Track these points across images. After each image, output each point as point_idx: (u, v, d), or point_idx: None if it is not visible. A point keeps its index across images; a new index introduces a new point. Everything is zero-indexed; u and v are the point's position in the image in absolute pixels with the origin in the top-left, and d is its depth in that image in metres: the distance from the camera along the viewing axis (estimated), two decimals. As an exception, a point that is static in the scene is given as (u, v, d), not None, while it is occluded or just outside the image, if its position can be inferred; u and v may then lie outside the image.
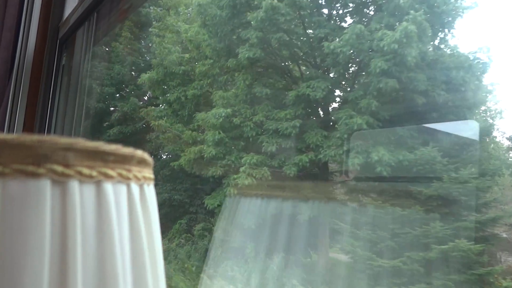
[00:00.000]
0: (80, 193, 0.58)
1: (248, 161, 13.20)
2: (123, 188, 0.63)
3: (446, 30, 13.80)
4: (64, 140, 0.57)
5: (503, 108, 15.63)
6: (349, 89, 13.92)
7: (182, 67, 16.77)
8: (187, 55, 17.04)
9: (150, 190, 0.69)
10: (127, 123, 19.36)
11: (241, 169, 13.22)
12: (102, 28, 3.39)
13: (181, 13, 19.27)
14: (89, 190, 0.59)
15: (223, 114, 14.21)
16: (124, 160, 0.63)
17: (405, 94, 13.19)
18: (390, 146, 12.76)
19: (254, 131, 14.04)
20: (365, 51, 12.82)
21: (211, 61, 15.74)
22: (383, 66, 12.02)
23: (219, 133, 14.14)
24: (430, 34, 12.42)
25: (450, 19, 13.33)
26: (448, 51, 13.71)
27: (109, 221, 0.59)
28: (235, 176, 13.24)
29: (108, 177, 0.60)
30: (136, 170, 0.65)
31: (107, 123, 20.68)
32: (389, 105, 13.23)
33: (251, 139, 14.12)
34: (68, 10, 3.28)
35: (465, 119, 13.98)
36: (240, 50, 14.29)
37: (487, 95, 15.06)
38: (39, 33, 3.27)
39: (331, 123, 13.52)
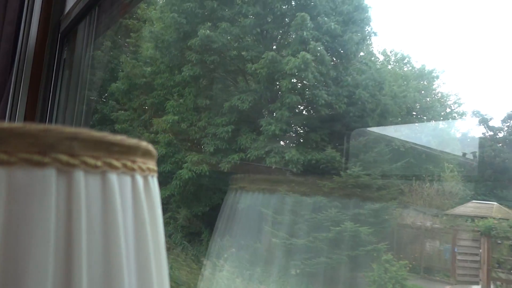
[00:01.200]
0: (85, 183, 0.58)
1: (190, 159, 16.44)
2: (127, 179, 0.63)
3: (349, 55, 18.31)
4: (70, 129, 0.57)
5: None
6: (270, 101, 17.49)
7: (144, 79, 19.68)
8: (149, 69, 19.87)
9: (154, 182, 0.70)
10: (106, 123, 20.76)
11: (184, 165, 16.51)
12: (104, 22, 3.36)
13: (155, 26, 20.77)
14: (94, 180, 0.59)
15: (170, 120, 17.67)
16: (129, 151, 0.63)
17: (310, 107, 17.77)
18: (302, 148, 17.19)
19: (198, 134, 17.59)
20: (278, 73, 16.49)
21: (166, 75, 19.15)
22: (288, 85, 16.27)
23: (169, 135, 17.44)
24: (329, 60, 17.06)
25: (353, 47, 17.97)
26: (349, 77, 17.96)
27: (114, 212, 0.59)
28: (179, 171, 16.56)
29: (112, 167, 0.61)
30: (140, 162, 0.65)
31: (91, 122, 21.75)
32: (300, 115, 17.98)
33: (195, 141, 17.68)
34: (69, 4, 3.24)
35: (364, 126, 17.69)
36: (184, 68, 18.11)
37: (383, 105, 18.84)
38: (41, 27, 3.24)
39: (260, 129, 16.31)
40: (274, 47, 18.20)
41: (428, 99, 29.60)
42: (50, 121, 3.29)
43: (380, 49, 31.12)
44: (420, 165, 19.65)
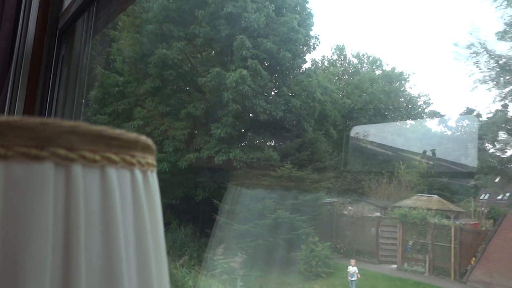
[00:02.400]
0: (84, 178, 0.51)
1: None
2: (126, 174, 0.56)
3: (284, 70, 19.88)
4: (68, 123, 0.51)
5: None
6: (218, 109, 18.68)
7: (117, 88, 20.37)
8: (121, 78, 20.52)
9: (154, 177, 0.62)
10: (90, 125, 21.50)
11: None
12: (102, 19, 3.07)
13: (122, 42, 21.63)
14: (93, 174, 0.52)
15: (136, 125, 18.77)
16: (128, 145, 0.57)
17: (252, 114, 19.02)
18: (246, 148, 18.79)
19: (161, 136, 18.72)
20: (222, 85, 17.92)
21: (135, 84, 20.26)
22: (229, 96, 17.69)
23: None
24: (265, 74, 18.40)
25: (287, 63, 19.31)
26: (285, 88, 19.50)
27: (113, 206, 0.53)
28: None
29: (111, 162, 0.54)
30: (140, 156, 0.58)
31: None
32: (243, 120, 19.16)
33: (158, 142, 18.26)
34: (67, 0, 2.96)
35: (300, 130, 19.69)
36: (146, 81, 19.48)
37: (323, 111, 20.75)
38: (39, 23, 2.94)
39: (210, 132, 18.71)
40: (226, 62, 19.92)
41: (402, 100, 29.71)
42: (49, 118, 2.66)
43: (354, 53, 31.87)
44: (382, 162, 20.04)
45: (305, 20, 20.15)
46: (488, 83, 13.27)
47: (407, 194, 17.81)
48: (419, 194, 17.34)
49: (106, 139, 0.54)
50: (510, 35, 9.87)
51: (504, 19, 10.41)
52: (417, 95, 29.87)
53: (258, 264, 15.37)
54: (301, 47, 19.87)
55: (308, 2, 20.48)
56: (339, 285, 13.96)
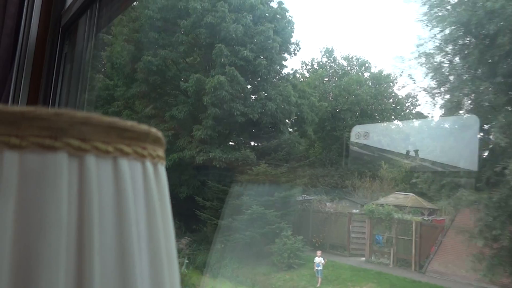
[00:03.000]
0: (97, 168, 0.49)
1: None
2: (138, 166, 0.53)
3: (261, 75, 19.99)
4: (81, 114, 0.49)
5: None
6: (199, 112, 19.12)
7: (107, 91, 20.68)
8: (111, 82, 20.80)
9: (163, 170, 0.59)
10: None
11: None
12: (105, 16, 2.89)
13: (111, 49, 21.85)
14: (106, 165, 0.50)
15: None
16: (140, 137, 0.54)
17: (230, 117, 18.75)
18: (225, 148, 19.03)
19: None
20: (202, 90, 18.32)
21: (124, 88, 20.28)
22: (208, 100, 18.09)
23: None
24: (243, 80, 18.66)
25: (263, 69, 19.40)
26: (262, 93, 19.91)
27: (125, 197, 0.50)
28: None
29: (124, 153, 0.52)
30: (151, 149, 0.56)
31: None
32: (222, 122, 18.94)
33: None
34: None
35: (276, 132, 20.23)
36: (133, 86, 19.76)
37: (300, 113, 21.00)
38: (41, 21, 2.78)
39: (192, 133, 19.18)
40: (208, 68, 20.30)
41: (390, 101, 29.49)
42: (52, 116, 2.45)
43: (343, 55, 31.51)
44: (367, 162, 20.17)
45: (284, 28, 20.56)
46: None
47: (388, 192, 18.06)
48: (397, 193, 17.59)
49: (119, 131, 0.51)
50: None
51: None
52: (404, 96, 29.76)
53: (235, 256, 15.71)
54: (277, 54, 19.95)
55: (288, 10, 20.86)
56: (308, 275, 14.09)
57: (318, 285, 13.55)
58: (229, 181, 17.50)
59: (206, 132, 18.12)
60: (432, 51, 9.85)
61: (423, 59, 10.12)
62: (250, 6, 19.03)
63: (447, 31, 9.44)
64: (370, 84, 28.71)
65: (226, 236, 16.05)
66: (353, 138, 9.21)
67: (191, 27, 18.80)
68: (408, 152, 8.97)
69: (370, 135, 8.86)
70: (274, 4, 20.57)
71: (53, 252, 0.43)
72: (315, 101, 22.30)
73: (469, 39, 9.05)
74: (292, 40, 21.38)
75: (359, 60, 31.09)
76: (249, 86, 19.75)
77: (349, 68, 30.86)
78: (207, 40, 18.72)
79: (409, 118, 28.11)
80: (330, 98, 26.58)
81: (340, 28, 42.99)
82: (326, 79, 29.25)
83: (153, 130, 0.56)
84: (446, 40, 9.31)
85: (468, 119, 7.44)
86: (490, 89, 8.77)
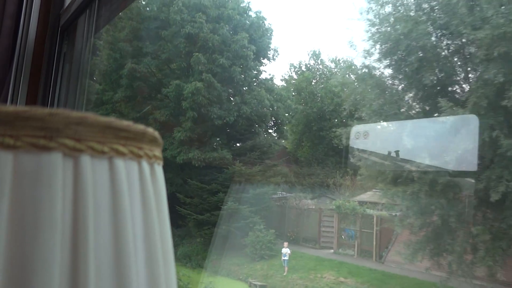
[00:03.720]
0: (92, 168, 0.45)
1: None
2: (134, 166, 0.50)
3: (237, 81, 19.78)
4: (76, 114, 0.45)
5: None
6: (179, 115, 19.14)
7: (96, 95, 20.27)
8: (100, 87, 20.50)
9: (160, 170, 0.55)
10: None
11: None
12: (104, 16, 2.76)
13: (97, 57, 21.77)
14: (101, 165, 0.46)
15: None
16: (136, 137, 0.50)
17: (207, 119, 18.95)
18: (204, 148, 18.97)
19: None
20: (181, 95, 18.40)
21: (111, 93, 20.14)
22: (186, 105, 18.24)
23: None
24: (219, 85, 18.74)
25: (238, 76, 19.44)
26: (238, 97, 19.95)
27: (121, 198, 0.47)
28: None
29: (119, 153, 0.48)
30: (147, 149, 0.52)
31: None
32: (200, 125, 19.08)
33: None
34: None
35: (252, 133, 20.26)
36: (118, 91, 19.70)
37: (268, 118, 21.14)
38: (40, 21, 2.63)
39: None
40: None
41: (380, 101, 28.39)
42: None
43: (330, 58, 31.18)
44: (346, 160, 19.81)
45: (261, 36, 20.79)
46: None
47: (366, 190, 17.61)
48: (373, 190, 16.76)
49: (114, 131, 0.47)
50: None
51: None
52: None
53: (213, 248, 15.89)
54: (252, 61, 19.97)
55: (265, 19, 21.18)
56: (277, 265, 14.15)
57: (284, 273, 13.68)
58: (208, 179, 17.64)
59: (186, 134, 18.21)
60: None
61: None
62: (228, 17, 19.17)
63: (382, 47, 9.81)
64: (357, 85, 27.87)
65: (205, 230, 16.39)
66: (352, 138, 9.06)
67: (172, 36, 18.94)
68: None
69: (370, 135, 8.72)
70: (252, 14, 20.86)
71: (47, 253, 0.40)
72: (291, 104, 22.55)
73: (395, 56, 9.42)
74: (271, 46, 21.62)
75: (346, 62, 30.53)
76: (226, 91, 19.61)
77: (336, 70, 29.79)
78: (187, 49, 18.83)
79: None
80: (318, 99, 26.17)
81: (328, 31, 42.65)
82: (314, 81, 28.62)
83: (150, 130, 0.52)
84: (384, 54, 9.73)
85: (467, 118, 7.31)
86: (409, 101, 9.40)
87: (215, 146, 19.52)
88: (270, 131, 22.60)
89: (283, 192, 18.23)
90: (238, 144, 19.94)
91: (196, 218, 16.74)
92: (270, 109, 20.95)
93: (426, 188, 8.65)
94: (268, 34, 21.35)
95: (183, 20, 18.71)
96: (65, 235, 0.42)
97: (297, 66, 30.70)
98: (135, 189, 0.49)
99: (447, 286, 9.41)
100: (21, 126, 0.42)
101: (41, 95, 2.56)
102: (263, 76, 21.89)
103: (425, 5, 9.09)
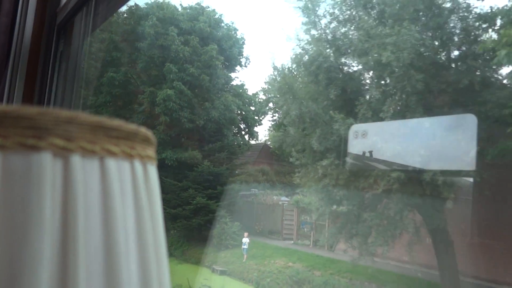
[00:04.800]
0: (83, 168, 0.41)
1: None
2: (126, 166, 0.45)
3: (205, 88, 19.93)
4: (66, 113, 0.41)
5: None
6: (154, 119, 19.32)
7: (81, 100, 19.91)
8: (84, 92, 19.53)
9: (153, 170, 0.50)
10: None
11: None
12: (101, 14, 2.53)
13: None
14: (92, 165, 0.42)
15: None
16: (128, 136, 0.45)
17: (179, 123, 19.03)
18: (176, 149, 19.08)
19: None
20: (155, 102, 18.59)
21: (95, 98, 19.86)
22: (159, 110, 18.44)
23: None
24: (189, 92, 18.94)
25: (207, 83, 19.45)
26: (207, 103, 20.04)
27: (112, 198, 0.42)
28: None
29: (111, 153, 0.43)
30: (140, 148, 0.47)
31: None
32: (173, 128, 19.36)
33: None
34: None
35: (220, 135, 20.11)
36: (99, 97, 19.68)
37: (236, 121, 21.28)
38: (37, 19, 2.41)
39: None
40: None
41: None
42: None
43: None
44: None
45: (232, 46, 21.09)
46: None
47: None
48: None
49: (106, 130, 0.43)
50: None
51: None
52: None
53: (185, 240, 16.41)
54: (220, 70, 20.18)
55: (237, 30, 21.66)
56: (239, 254, 14.36)
57: (244, 260, 14.00)
58: (180, 177, 17.73)
59: (159, 136, 18.28)
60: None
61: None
62: (199, 29, 19.50)
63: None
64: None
65: (178, 223, 16.53)
66: (351, 138, 8.99)
67: (147, 48, 19.21)
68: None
69: (368, 134, 8.66)
70: (224, 25, 21.32)
71: (36, 254, 0.36)
72: (260, 108, 22.64)
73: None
74: (244, 54, 21.95)
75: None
76: (196, 97, 19.88)
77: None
78: (160, 59, 19.14)
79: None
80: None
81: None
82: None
83: (142, 129, 0.47)
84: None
85: (463, 118, 7.33)
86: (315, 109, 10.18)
87: (186, 147, 19.60)
88: (243, 132, 22.68)
89: (254, 189, 18.17)
90: (209, 145, 19.81)
91: (169, 212, 16.73)
92: (239, 112, 21.21)
93: (337, 181, 9.48)
94: (240, 43, 21.71)
95: (157, 34, 18.97)
96: (55, 236, 0.38)
97: (280, 69, 30.82)
98: (127, 189, 0.44)
99: (355, 264, 10.47)
100: (10, 125, 0.38)
101: (38, 94, 2.39)
102: (234, 82, 22.25)
103: (329, 35, 10.15)
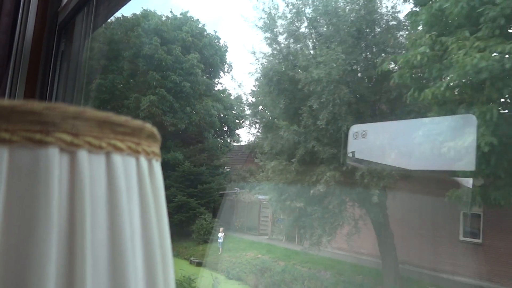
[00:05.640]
0: (89, 164, 0.38)
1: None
2: (132, 162, 0.42)
3: (186, 94, 19.72)
4: (73, 108, 0.38)
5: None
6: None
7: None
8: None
9: (158, 166, 0.48)
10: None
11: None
12: (102, 14, 2.40)
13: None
14: (98, 161, 0.39)
15: None
16: (134, 132, 0.42)
17: (161, 127, 17.66)
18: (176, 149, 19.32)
19: None
20: (139, 106, 18.44)
21: (85, 102, 18.24)
22: (143, 115, 17.83)
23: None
24: (171, 98, 18.79)
25: (188, 89, 19.39)
26: (188, 108, 19.74)
27: (118, 193, 0.40)
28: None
29: (117, 149, 0.41)
30: (145, 144, 0.44)
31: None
32: (159, 131, 18.59)
33: None
34: None
35: (201, 138, 20.10)
36: (89, 102, 18.72)
37: (216, 124, 20.76)
38: (38, 18, 2.27)
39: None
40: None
41: None
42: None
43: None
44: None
45: (213, 54, 21.07)
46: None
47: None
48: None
49: (112, 126, 0.40)
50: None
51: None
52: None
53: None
54: (201, 77, 20.20)
55: (219, 38, 21.76)
56: (216, 247, 14.54)
57: (219, 253, 14.26)
58: (163, 176, 17.29)
59: (149, 137, 18.66)
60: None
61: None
62: (182, 39, 19.60)
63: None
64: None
65: None
66: (351, 138, 8.91)
67: (132, 56, 19.28)
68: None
69: (368, 134, 8.60)
70: (206, 34, 21.35)
71: (43, 249, 0.34)
72: (240, 112, 22.27)
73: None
74: (227, 61, 21.99)
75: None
76: (178, 103, 19.77)
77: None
78: (144, 67, 19.16)
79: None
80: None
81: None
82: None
83: (148, 125, 0.45)
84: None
85: (464, 118, 7.28)
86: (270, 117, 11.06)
87: (168, 149, 19.42)
88: (225, 136, 22.58)
89: (237, 188, 18.06)
90: (190, 147, 19.81)
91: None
92: (220, 116, 21.14)
93: (286, 180, 10.10)
94: (222, 51, 21.73)
95: (141, 43, 19.06)
96: (61, 231, 0.35)
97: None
98: (133, 185, 0.42)
99: (307, 253, 11.17)
100: (17, 120, 0.36)
101: (38, 92, 2.27)
102: (217, 87, 22.28)
103: (284, 50, 10.85)
